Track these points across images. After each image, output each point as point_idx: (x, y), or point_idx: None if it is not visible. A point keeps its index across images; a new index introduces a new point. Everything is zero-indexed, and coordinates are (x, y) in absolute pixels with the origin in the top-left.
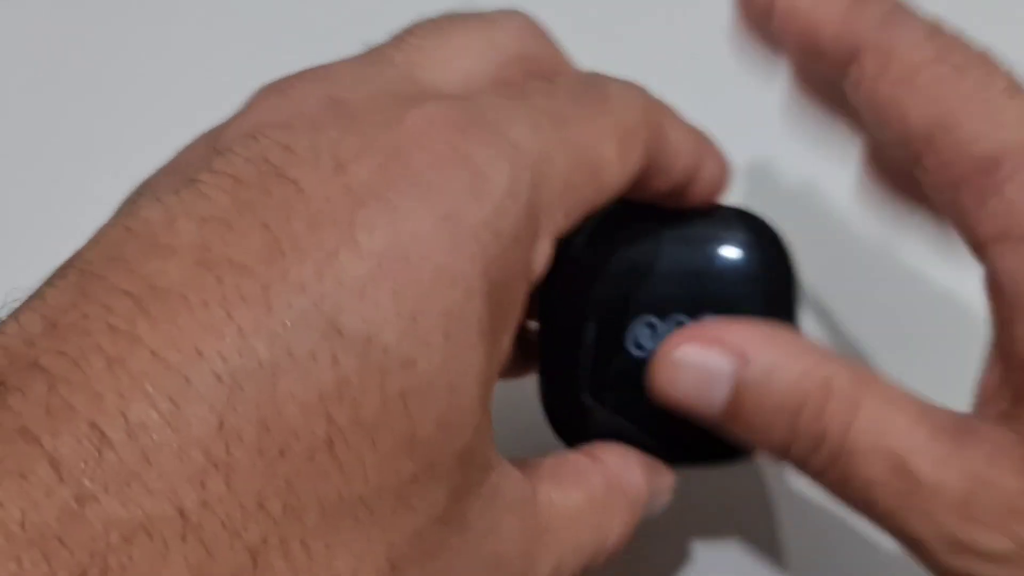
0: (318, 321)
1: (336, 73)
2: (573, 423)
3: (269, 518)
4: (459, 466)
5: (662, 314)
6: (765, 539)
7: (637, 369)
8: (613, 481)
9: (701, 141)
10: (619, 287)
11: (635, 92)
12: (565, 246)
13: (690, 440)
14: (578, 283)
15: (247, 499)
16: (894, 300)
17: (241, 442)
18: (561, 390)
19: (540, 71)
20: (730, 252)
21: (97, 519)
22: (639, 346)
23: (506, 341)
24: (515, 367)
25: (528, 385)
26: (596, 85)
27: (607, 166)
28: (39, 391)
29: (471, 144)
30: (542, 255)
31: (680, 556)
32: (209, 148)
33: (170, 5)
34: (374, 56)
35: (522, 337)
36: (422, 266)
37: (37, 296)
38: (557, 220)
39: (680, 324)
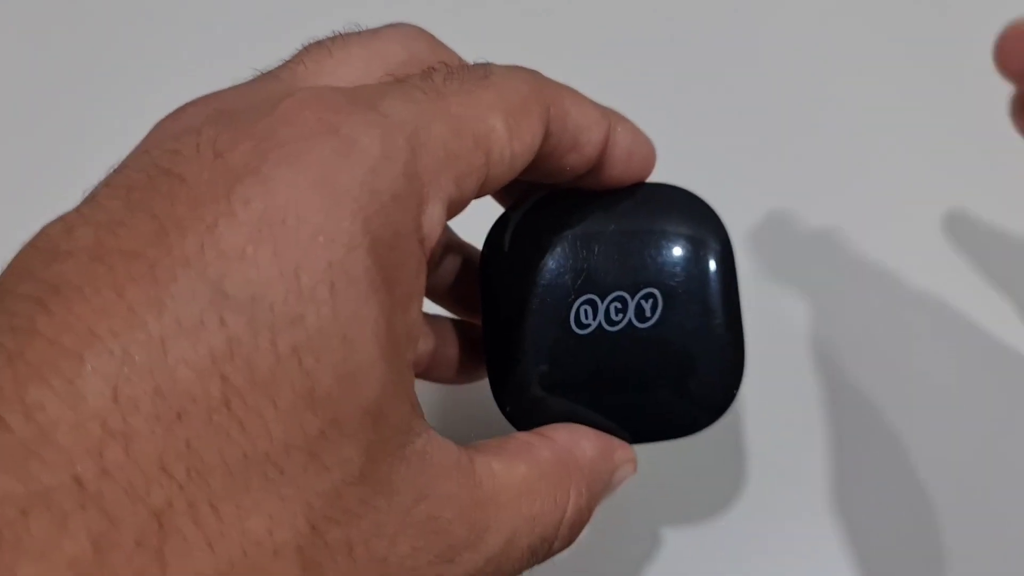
0: (203, 288)
1: (224, 93)
2: (525, 409)
3: (173, 481)
4: (370, 423)
5: (603, 292)
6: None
7: (582, 346)
8: (562, 454)
9: (610, 114)
10: (558, 269)
11: (521, 71)
12: (500, 232)
13: (643, 415)
14: (517, 268)
15: (148, 464)
16: None
17: (137, 410)
18: (510, 377)
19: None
20: (664, 226)
21: None
22: (581, 324)
23: (412, 305)
24: (468, 371)
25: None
26: (478, 68)
27: (495, 138)
28: None
29: (340, 116)
30: (434, 219)
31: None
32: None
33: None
34: (261, 76)
35: (470, 339)
36: (299, 227)
37: None
38: (446, 186)
39: (620, 300)
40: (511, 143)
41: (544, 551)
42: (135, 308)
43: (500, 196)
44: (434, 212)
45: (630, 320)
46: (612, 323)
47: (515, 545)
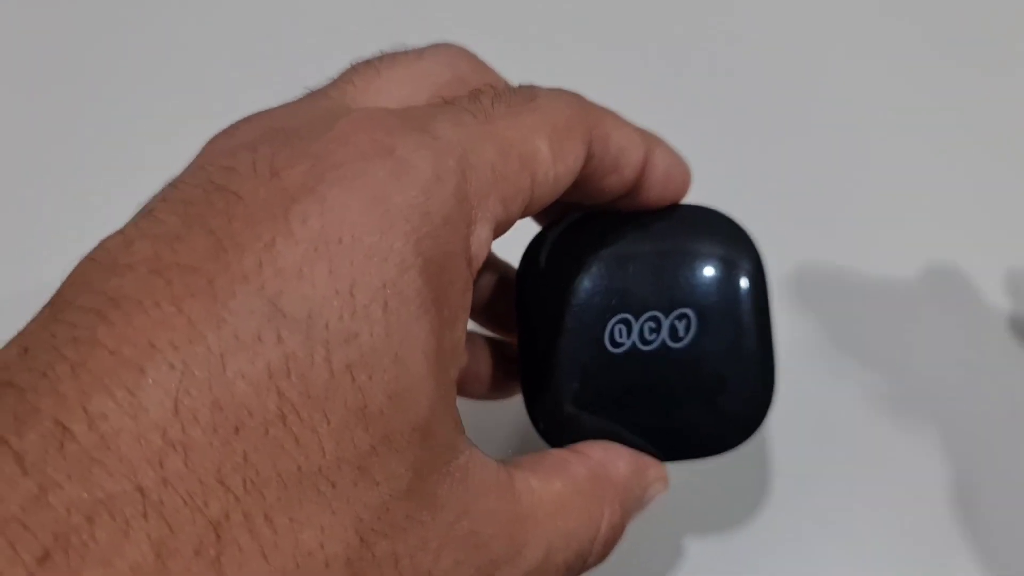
0: (261, 305)
1: (275, 112)
2: (558, 425)
3: (230, 493)
4: (419, 440)
5: (637, 312)
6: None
7: (616, 364)
8: (597, 470)
9: (649, 138)
10: (593, 288)
11: (565, 95)
12: (537, 251)
13: (675, 434)
14: (553, 287)
15: (206, 475)
16: None
17: (196, 422)
18: (543, 394)
19: (474, 91)
20: (699, 247)
21: (59, 503)
22: (615, 343)
23: (458, 325)
24: (501, 387)
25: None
26: (524, 90)
27: (540, 160)
28: (8, 403)
29: (394, 138)
30: (481, 240)
31: (675, 555)
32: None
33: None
34: (312, 95)
35: (503, 355)
36: (354, 246)
37: (19, 332)
38: (493, 208)
39: (655, 319)
40: (555, 165)
41: (579, 567)
42: (194, 322)
43: (537, 215)
44: (482, 233)
45: (664, 340)
46: (646, 342)
47: (552, 560)
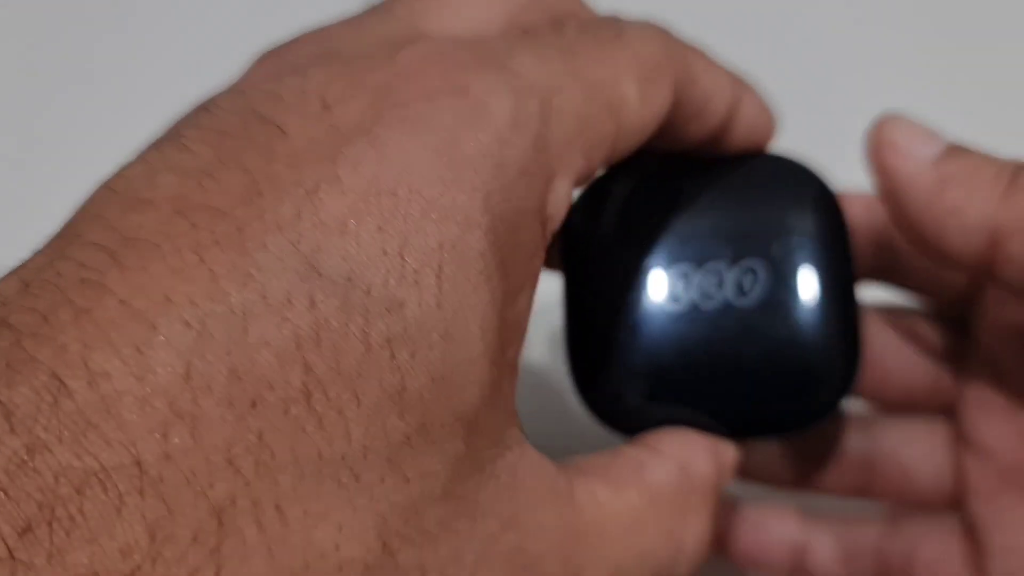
0: (295, 261)
1: (333, 30)
2: (611, 398)
3: (239, 476)
4: (462, 433)
5: (699, 262)
6: None
7: (676, 326)
8: (678, 475)
9: (737, 84)
10: (650, 239)
11: (655, 31)
12: (590, 200)
13: (748, 409)
14: (605, 241)
15: (214, 453)
16: None
17: (210, 392)
18: (593, 364)
19: (555, 17)
20: (772, 198)
21: (47, 469)
22: (674, 300)
23: (523, 295)
24: None
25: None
26: (612, 23)
27: (627, 104)
28: (2, 347)
29: (468, 74)
30: (560, 197)
31: None
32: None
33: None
34: (374, 11)
35: None
36: (411, 199)
37: (21, 263)
38: (574, 160)
39: (717, 274)
40: (641, 112)
41: None
42: (217, 276)
43: None
44: (561, 189)
45: (727, 297)
46: (708, 298)
47: None
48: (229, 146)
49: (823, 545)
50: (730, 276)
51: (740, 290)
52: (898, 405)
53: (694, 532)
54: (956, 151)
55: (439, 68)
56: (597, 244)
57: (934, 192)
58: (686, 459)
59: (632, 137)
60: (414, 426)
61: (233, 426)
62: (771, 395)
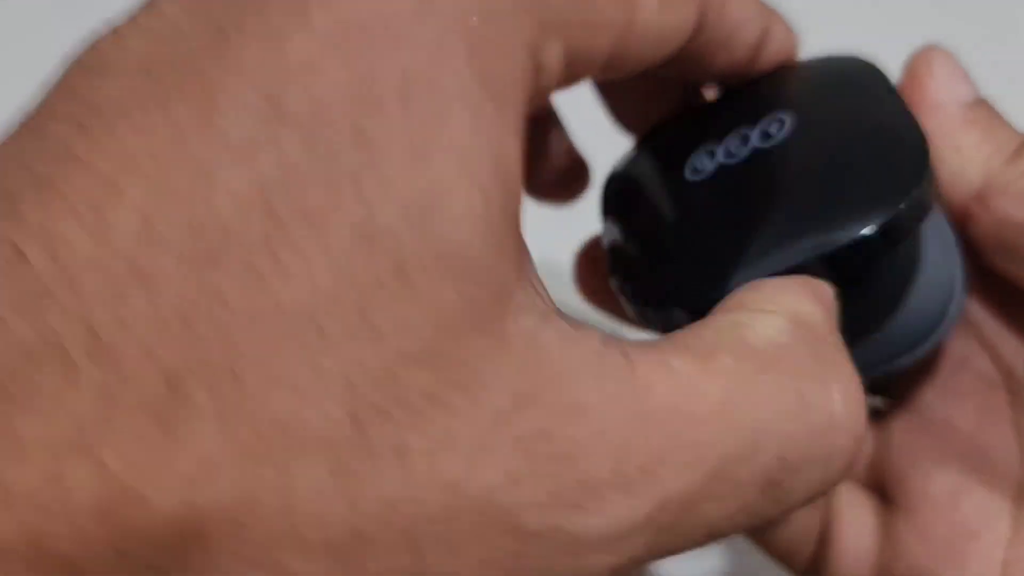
0: (257, 102)
1: None
2: (678, 285)
3: (195, 337)
4: (448, 276)
5: (721, 137)
6: None
7: (699, 191)
8: (796, 326)
9: (767, 12)
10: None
11: None
12: (635, 154)
13: (831, 213)
14: (652, 185)
15: (171, 314)
16: None
17: (168, 249)
18: (647, 269)
19: None
20: (803, 69)
21: (2, 341)
22: (696, 171)
23: (510, 124)
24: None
25: None
26: None
27: (643, 5)
28: None
29: None
30: (552, 59)
31: None
32: None
33: None
34: None
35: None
36: (379, 32)
37: None
38: (571, 28)
39: (743, 135)
40: (660, 20)
41: (789, 485)
42: (180, 125)
43: (625, 105)
44: (553, 54)
45: (755, 145)
46: (731, 156)
47: (724, 480)
48: (200, 5)
49: None
50: (755, 132)
51: (766, 136)
52: None
53: (841, 388)
54: (985, 104)
55: None
56: (643, 189)
57: (952, 128)
58: (793, 308)
59: (646, 43)
60: (386, 267)
61: (192, 283)
62: (852, 190)
